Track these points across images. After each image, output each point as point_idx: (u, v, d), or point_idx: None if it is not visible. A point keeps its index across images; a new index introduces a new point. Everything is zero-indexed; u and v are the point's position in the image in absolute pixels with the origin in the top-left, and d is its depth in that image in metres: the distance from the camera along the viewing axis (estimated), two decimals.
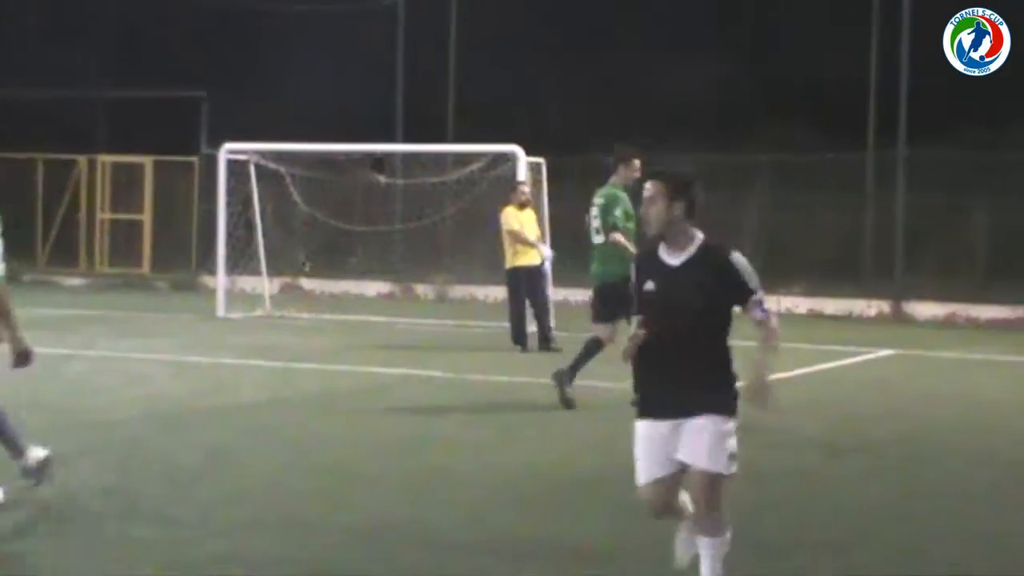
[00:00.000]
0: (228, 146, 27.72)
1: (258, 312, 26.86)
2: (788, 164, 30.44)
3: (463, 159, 28.63)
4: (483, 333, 23.53)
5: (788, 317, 29.16)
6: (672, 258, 7.63)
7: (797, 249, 30.63)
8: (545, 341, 21.27)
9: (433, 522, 9.90)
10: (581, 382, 15.38)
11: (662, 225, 7.60)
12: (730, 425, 7.63)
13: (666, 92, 33.01)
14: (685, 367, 7.62)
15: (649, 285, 7.67)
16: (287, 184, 28.86)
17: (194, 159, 35.19)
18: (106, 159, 36.79)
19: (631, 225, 15.15)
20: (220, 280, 27.35)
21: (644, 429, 7.71)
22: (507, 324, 21.77)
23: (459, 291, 31.91)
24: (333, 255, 33.12)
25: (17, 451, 9.57)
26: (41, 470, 9.61)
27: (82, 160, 36.71)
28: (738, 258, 7.64)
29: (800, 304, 29.73)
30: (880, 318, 28.98)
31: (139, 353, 19.92)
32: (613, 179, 15.58)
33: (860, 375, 19.86)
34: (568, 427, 14.37)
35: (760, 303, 7.66)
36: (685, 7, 35.30)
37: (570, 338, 23.00)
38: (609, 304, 14.86)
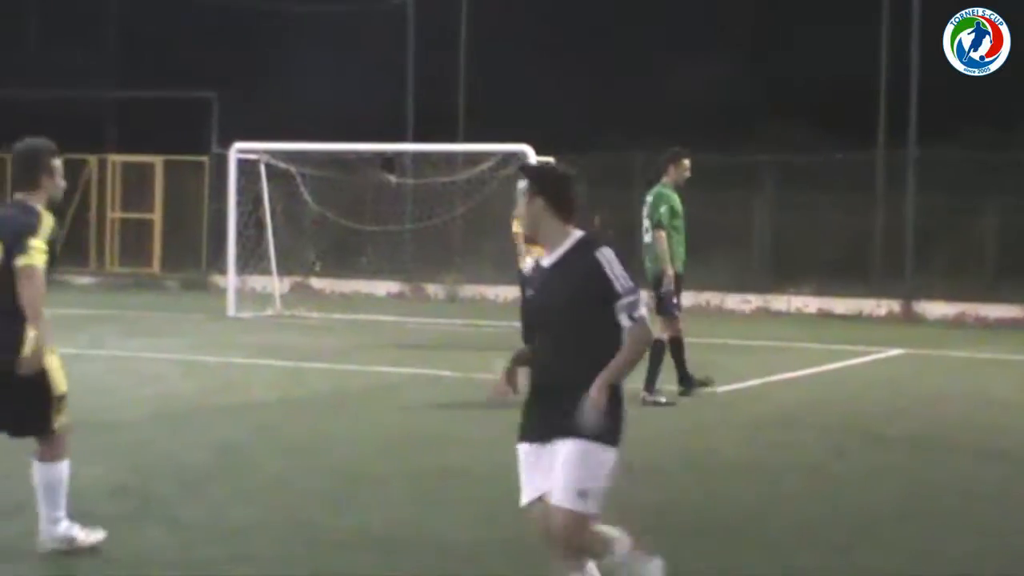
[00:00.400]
0: (238, 145, 27.77)
1: (268, 311, 26.90)
2: (798, 164, 30.43)
3: (473, 159, 28.63)
4: (493, 333, 23.53)
5: (798, 316, 29.22)
6: (548, 260, 7.04)
7: (807, 249, 30.63)
8: None
9: (443, 522, 9.92)
10: None
11: (527, 222, 7.04)
12: (598, 454, 6.82)
13: (675, 92, 32.96)
14: (555, 383, 6.91)
15: (530, 292, 7.17)
16: (297, 184, 28.91)
17: (204, 159, 35.24)
18: (116, 159, 36.86)
19: (677, 223, 16.01)
20: (230, 279, 27.40)
21: (519, 450, 7.08)
22: (518, 324, 21.78)
23: (469, 291, 31.92)
24: (343, 254, 33.15)
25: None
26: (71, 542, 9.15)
27: (92, 160, 36.76)
28: (606, 255, 6.89)
29: (810, 304, 29.78)
30: (890, 318, 28.97)
31: (149, 352, 19.96)
32: (664, 179, 16.25)
33: (869, 374, 19.86)
34: None
35: (629, 307, 6.86)
36: (696, 7, 35.26)
37: None
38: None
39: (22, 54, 39.73)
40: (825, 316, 29.19)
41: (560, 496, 6.82)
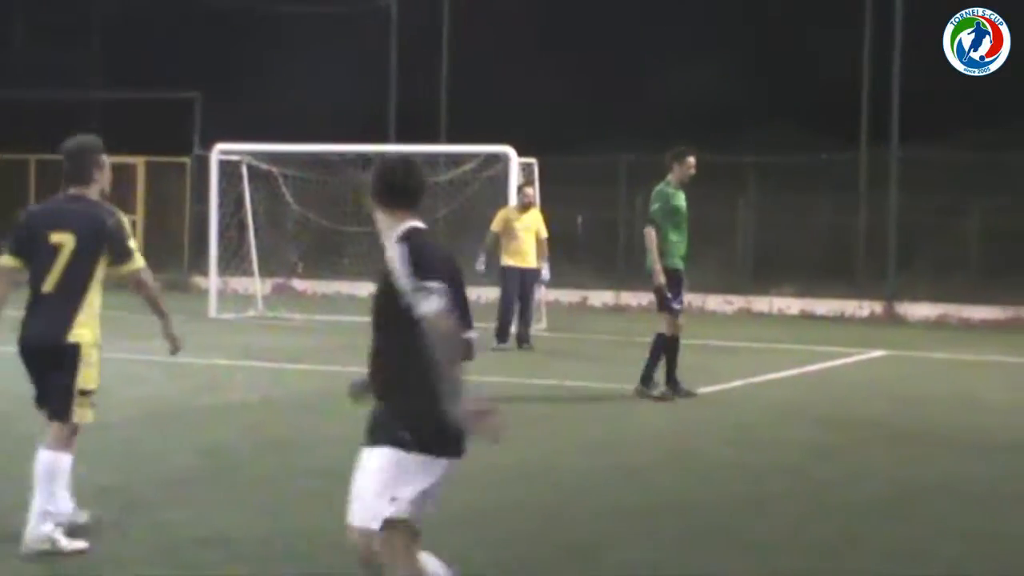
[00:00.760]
0: (220, 147, 27.72)
1: (250, 313, 26.86)
2: (781, 165, 30.48)
3: (456, 160, 28.60)
4: (476, 334, 23.47)
5: (780, 318, 29.24)
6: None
7: (790, 250, 30.68)
8: (523, 339, 21.47)
9: (427, 524, 9.89)
10: (573, 382, 15.39)
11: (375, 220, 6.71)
12: (392, 459, 6.61)
13: (659, 93, 33.02)
14: (377, 384, 6.72)
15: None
16: (279, 185, 28.87)
17: (186, 160, 35.17)
18: None
19: (679, 220, 15.99)
20: (212, 281, 27.36)
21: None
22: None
23: None
24: (325, 256, 33.08)
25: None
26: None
27: None
28: (405, 247, 6.49)
29: (792, 305, 29.81)
30: (872, 319, 29.02)
31: (132, 354, 19.89)
32: (669, 177, 16.22)
33: (852, 376, 19.88)
34: (563, 428, 14.39)
35: (418, 302, 6.33)
36: (678, 8, 35.29)
37: (561, 338, 23.07)
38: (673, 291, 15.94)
39: (6, 54, 39.62)
40: (807, 317, 29.23)
41: (357, 509, 6.85)
